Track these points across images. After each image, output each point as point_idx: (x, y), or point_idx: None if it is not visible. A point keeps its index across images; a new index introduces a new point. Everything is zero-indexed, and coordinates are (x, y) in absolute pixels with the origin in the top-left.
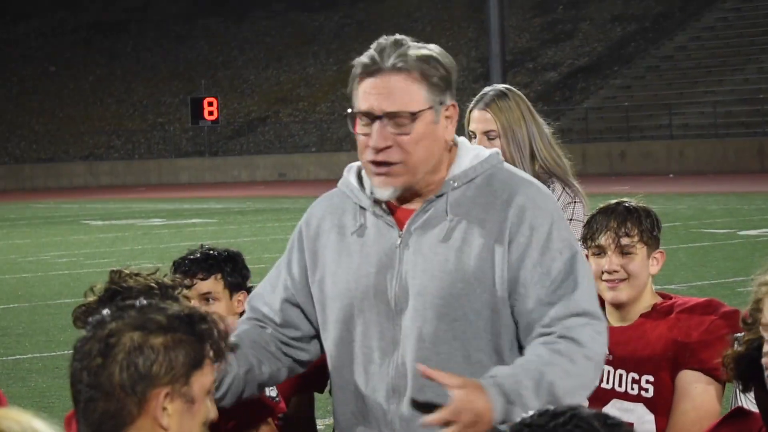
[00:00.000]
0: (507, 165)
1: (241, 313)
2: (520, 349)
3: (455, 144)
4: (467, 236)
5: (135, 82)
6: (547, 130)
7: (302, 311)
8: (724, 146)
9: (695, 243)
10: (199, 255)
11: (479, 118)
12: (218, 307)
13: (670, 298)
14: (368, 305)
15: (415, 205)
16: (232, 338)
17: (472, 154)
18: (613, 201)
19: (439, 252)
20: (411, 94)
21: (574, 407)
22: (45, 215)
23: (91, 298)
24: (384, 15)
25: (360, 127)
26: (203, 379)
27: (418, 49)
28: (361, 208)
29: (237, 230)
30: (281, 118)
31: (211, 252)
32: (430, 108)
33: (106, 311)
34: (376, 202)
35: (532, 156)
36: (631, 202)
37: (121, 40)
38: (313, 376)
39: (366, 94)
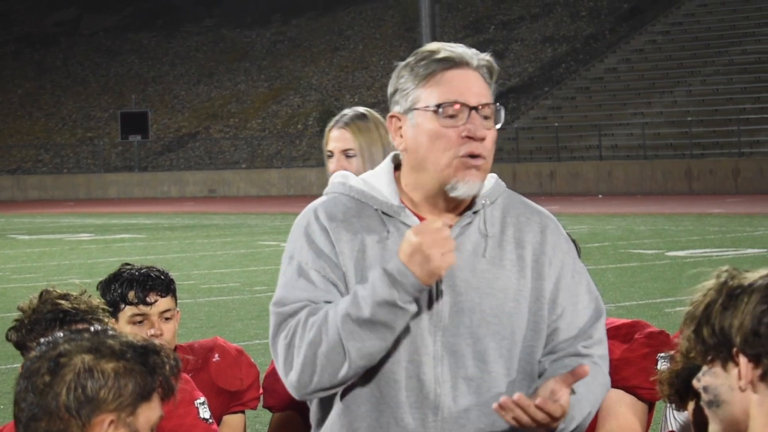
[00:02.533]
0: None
1: None
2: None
3: None
4: (510, 255)
5: (65, 96)
6: None
7: None
8: (653, 168)
9: (623, 263)
10: (153, 273)
11: (338, 137)
12: (173, 326)
13: None
14: (412, 318)
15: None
16: None
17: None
18: None
19: (486, 269)
20: (491, 95)
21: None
22: None
23: (26, 313)
24: (316, 32)
25: (443, 120)
26: (150, 412)
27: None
28: (386, 215)
29: (166, 246)
30: (212, 134)
31: (157, 270)
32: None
33: (59, 333)
34: (401, 210)
35: None
36: None
37: (51, 53)
38: (244, 396)
39: (453, 86)
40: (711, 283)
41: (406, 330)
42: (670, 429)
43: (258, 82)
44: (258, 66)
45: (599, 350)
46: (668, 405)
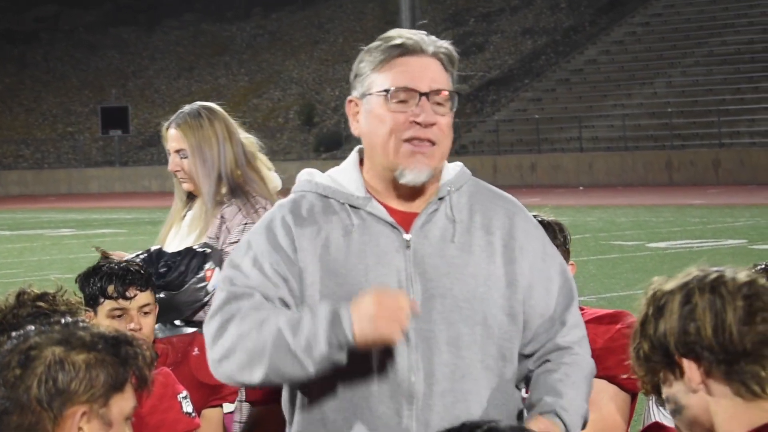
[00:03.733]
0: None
1: None
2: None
3: None
4: (478, 241)
5: (45, 91)
6: (256, 147)
7: None
8: (633, 159)
9: (604, 255)
10: (132, 267)
11: (172, 137)
12: (151, 320)
13: (582, 310)
14: None
15: (412, 208)
16: None
17: (448, 164)
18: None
19: (456, 255)
20: (448, 81)
21: (490, 420)
22: None
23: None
24: (296, 26)
25: (393, 105)
26: (123, 403)
27: (442, 43)
28: (353, 207)
29: (147, 240)
30: None
31: (136, 264)
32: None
33: (30, 327)
34: (368, 201)
35: (219, 178)
36: (542, 216)
37: (31, 49)
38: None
39: (408, 71)
40: (643, 299)
41: None
42: (654, 419)
43: (238, 76)
44: (238, 60)
45: (577, 334)
46: (650, 398)
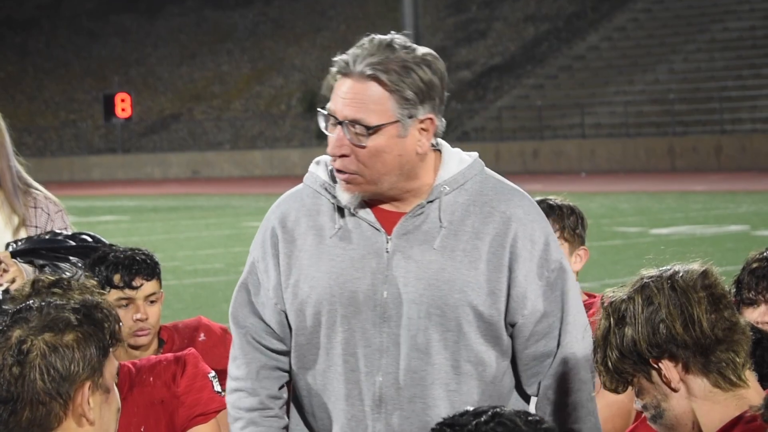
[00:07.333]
0: (489, 170)
1: None
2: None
3: (438, 149)
4: (464, 246)
5: (47, 78)
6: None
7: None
8: (635, 146)
9: (607, 241)
10: (138, 257)
11: None
12: (158, 308)
13: (594, 297)
14: (353, 311)
15: (401, 208)
16: None
17: (456, 158)
18: (537, 198)
19: (433, 260)
20: (377, 104)
21: (495, 406)
22: None
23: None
24: (299, 13)
25: (330, 126)
26: (111, 367)
27: (404, 55)
28: (339, 208)
29: (150, 228)
30: (195, 116)
31: (142, 253)
32: (396, 122)
33: (2, 322)
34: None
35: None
36: (556, 199)
37: (33, 36)
38: None
39: (335, 95)
40: (599, 314)
41: (347, 325)
42: None
43: (241, 63)
44: (241, 47)
45: (572, 346)
46: None
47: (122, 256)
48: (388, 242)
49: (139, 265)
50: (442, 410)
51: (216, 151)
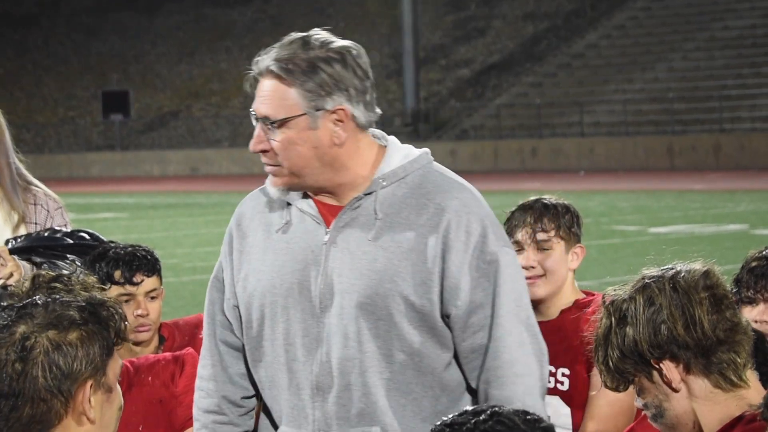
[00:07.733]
0: (437, 165)
1: None
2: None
3: (384, 143)
4: (397, 237)
5: (46, 75)
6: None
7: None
8: (634, 144)
9: (606, 240)
10: (139, 253)
11: None
12: (158, 305)
13: (593, 295)
14: (292, 302)
15: (342, 201)
16: None
17: (402, 153)
18: (532, 197)
19: (367, 251)
20: (282, 99)
21: (494, 405)
22: None
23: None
24: (297, 10)
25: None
26: (115, 365)
27: (314, 50)
28: (288, 204)
29: (148, 225)
30: (193, 113)
31: (143, 249)
32: (303, 115)
33: (7, 317)
34: (303, 197)
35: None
36: (551, 198)
37: (31, 33)
38: None
39: (256, 94)
40: (600, 312)
41: (287, 315)
42: None
43: (239, 60)
44: (239, 44)
45: (503, 334)
46: None
47: (123, 252)
48: (326, 234)
49: (140, 261)
50: (379, 398)
51: (215, 149)
